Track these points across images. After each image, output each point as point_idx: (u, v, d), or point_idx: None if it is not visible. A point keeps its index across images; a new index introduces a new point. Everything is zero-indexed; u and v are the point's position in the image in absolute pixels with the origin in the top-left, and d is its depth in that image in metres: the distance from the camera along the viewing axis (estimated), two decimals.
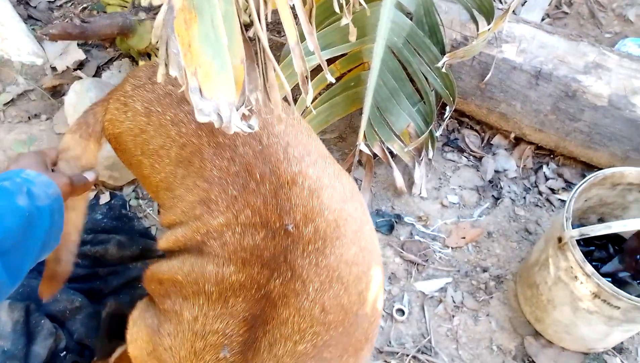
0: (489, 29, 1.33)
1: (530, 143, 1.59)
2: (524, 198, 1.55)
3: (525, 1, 1.79)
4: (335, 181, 0.82)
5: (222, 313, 0.71)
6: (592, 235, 1.03)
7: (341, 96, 1.48)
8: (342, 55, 1.45)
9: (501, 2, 1.75)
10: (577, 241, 1.32)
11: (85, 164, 0.92)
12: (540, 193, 1.55)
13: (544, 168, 1.58)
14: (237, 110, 0.64)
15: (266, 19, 0.67)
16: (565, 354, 1.31)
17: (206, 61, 0.57)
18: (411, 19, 1.39)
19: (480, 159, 1.61)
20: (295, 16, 0.73)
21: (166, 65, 0.55)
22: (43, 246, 0.72)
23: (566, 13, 1.83)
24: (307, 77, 0.69)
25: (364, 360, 0.81)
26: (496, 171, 1.60)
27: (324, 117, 1.51)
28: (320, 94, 1.51)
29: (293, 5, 0.69)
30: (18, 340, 1.14)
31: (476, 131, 1.65)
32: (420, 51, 1.41)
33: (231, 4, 0.60)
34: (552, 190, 1.55)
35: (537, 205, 1.53)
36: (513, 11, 1.81)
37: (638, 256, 1.27)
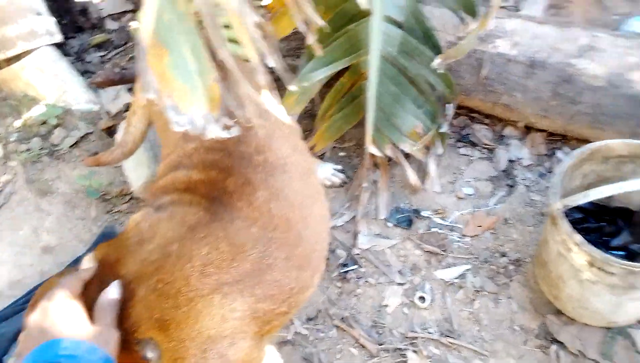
0: (474, 28, 1.42)
1: (541, 130, 1.63)
2: (539, 183, 1.59)
3: None
4: (288, 140, 1.05)
5: (187, 195, 0.95)
6: (574, 204, 1.08)
7: (351, 106, 1.62)
8: (348, 68, 1.60)
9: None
10: (587, 217, 1.37)
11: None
12: None
13: (558, 153, 1.62)
14: (217, 121, 0.81)
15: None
16: (587, 330, 1.33)
17: (179, 85, 0.74)
18: (403, 28, 1.51)
19: (492, 150, 1.68)
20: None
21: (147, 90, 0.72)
22: None
23: (570, 1, 1.86)
24: (274, 88, 0.84)
25: (308, 288, 0.99)
26: (510, 161, 1.65)
27: (339, 125, 1.66)
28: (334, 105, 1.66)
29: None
30: None
31: (486, 124, 1.72)
32: (416, 56, 1.53)
33: (198, 39, 0.78)
34: None
35: None
36: (516, 7, 1.88)
37: None
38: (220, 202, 0.93)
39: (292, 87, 0.88)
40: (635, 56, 1.41)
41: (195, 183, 0.97)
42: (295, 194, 0.99)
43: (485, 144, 1.69)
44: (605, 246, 1.30)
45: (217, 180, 0.95)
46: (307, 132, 1.76)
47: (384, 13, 1.48)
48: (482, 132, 1.71)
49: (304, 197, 1.02)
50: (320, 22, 0.97)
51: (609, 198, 1.36)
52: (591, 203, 1.37)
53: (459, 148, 1.72)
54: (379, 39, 1.48)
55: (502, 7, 1.89)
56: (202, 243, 0.87)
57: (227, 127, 0.85)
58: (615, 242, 1.29)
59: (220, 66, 0.84)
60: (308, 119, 1.80)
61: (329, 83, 1.67)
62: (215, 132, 0.81)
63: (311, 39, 0.98)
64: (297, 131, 1.20)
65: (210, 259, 0.87)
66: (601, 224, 1.34)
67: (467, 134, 1.73)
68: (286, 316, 1.00)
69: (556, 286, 1.29)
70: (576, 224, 1.34)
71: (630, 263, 1.03)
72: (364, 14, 1.50)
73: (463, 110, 1.74)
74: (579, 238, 1.08)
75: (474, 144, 1.71)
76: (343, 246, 1.60)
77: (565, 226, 1.10)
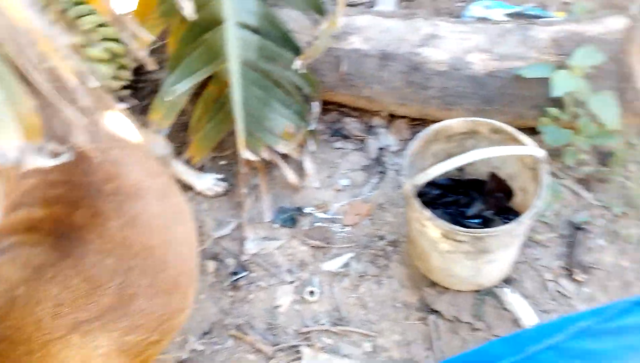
0: (325, 28, 1.49)
1: (403, 117, 1.74)
2: None
3: None
4: (141, 163, 1.03)
5: (31, 234, 0.90)
6: (420, 183, 1.17)
7: (221, 113, 1.63)
8: (213, 77, 1.61)
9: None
10: (445, 193, 1.48)
11: None
12: None
13: None
14: (39, 150, 0.79)
15: None
16: (459, 296, 1.44)
17: None
18: (259, 33, 1.54)
19: (363, 141, 1.76)
20: None
21: None
22: None
23: None
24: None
25: (181, 312, 0.98)
26: (379, 149, 1.75)
27: (213, 134, 1.66)
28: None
29: None
30: None
31: (355, 117, 1.80)
32: (276, 59, 1.56)
33: (4, 67, 0.75)
34: None
35: None
36: (371, 3, 1.99)
37: (496, 195, 1.41)
38: (68, 238, 0.89)
39: (122, 105, 0.88)
40: (471, 40, 1.54)
41: (39, 221, 0.92)
42: (153, 219, 0.98)
43: (356, 136, 1.77)
44: (463, 217, 1.42)
45: (63, 215, 0.91)
46: (184, 144, 1.74)
47: (237, 20, 1.50)
48: (352, 125, 1.79)
49: (164, 220, 1.00)
50: (148, 37, 0.97)
51: (461, 171, 1.49)
52: (448, 179, 1.49)
53: (333, 142, 1.78)
54: (236, 46, 1.50)
55: (358, 4, 1.99)
56: (51, 283, 0.84)
57: (55, 155, 0.83)
58: (471, 211, 1.41)
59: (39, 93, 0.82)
60: (184, 132, 1.78)
61: (199, 93, 1.67)
62: (36, 161, 0.78)
63: (141, 54, 0.98)
64: (152, 153, 1.18)
65: (63, 299, 0.83)
66: (458, 197, 1.45)
67: (339, 129, 1.80)
68: (161, 343, 0.99)
69: (425, 260, 1.39)
70: (436, 200, 1.46)
71: (473, 230, 1.14)
72: (219, 22, 1.51)
73: (332, 106, 1.81)
74: (428, 213, 1.17)
75: (346, 137, 1.78)
76: (231, 255, 1.60)
77: (416, 204, 1.19)
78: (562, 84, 1.34)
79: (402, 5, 1.99)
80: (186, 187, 1.68)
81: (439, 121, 1.58)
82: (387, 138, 1.75)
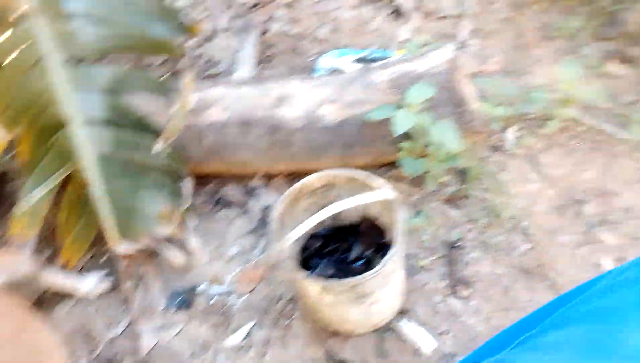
0: (177, 107, 1.51)
1: (279, 174, 1.79)
2: None
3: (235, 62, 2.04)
4: None
5: None
6: (286, 246, 1.20)
7: (87, 212, 1.57)
8: (70, 176, 1.56)
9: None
10: (326, 242, 1.52)
11: None
12: None
13: None
14: None
15: None
16: (362, 340, 1.46)
17: None
18: (112, 125, 1.53)
19: (246, 205, 1.78)
20: None
21: None
22: None
23: (273, 55, 2.10)
24: None
25: None
26: (263, 209, 1.77)
27: (85, 234, 1.59)
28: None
29: None
30: None
31: (234, 183, 1.82)
32: (136, 145, 1.55)
33: None
34: None
35: None
36: (230, 71, 2.05)
37: (371, 235, 1.48)
38: None
39: None
40: (320, 93, 1.63)
41: None
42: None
43: (238, 202, 1.78)
44: (347, 262, 1.46)
45: None
46: (58, 249, 1.65)
47: (84, 117, 1.48)
48: (231, 191, 1.80)
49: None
50: None
51: (336, 219, 1.54)
52: (327, 228, 1.53)
53: (216, 212, 1.78)
54: (88, 143, 1.47)
55: (217, 74, 2.04)
56: None
57: None
58: (352, 256, 1.46)
59: None
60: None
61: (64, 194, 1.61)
62: None
63: None
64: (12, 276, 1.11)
65: None
66: (338, 244, 1.50)
67: (220, 198, 1.80)
68: None
69: (319, 313, 1.40)
70: (320, 251, 1.49)
71: (346, 280, 1.17)
72: (65, 123, 1.48)
73: (209, 178, 1.81)
74: (301, 274, 1.20)
75: (228, 205, 1.79)
76: (128, 354, 1.52)
77: (288, 265, 1.21)
78: (402, 122, 1.44)
79: (259, 67, 2.07)
80: (67, 294, 1.59)
81: (313, 172, 1.64)
82: (268, 197, 1.78)
